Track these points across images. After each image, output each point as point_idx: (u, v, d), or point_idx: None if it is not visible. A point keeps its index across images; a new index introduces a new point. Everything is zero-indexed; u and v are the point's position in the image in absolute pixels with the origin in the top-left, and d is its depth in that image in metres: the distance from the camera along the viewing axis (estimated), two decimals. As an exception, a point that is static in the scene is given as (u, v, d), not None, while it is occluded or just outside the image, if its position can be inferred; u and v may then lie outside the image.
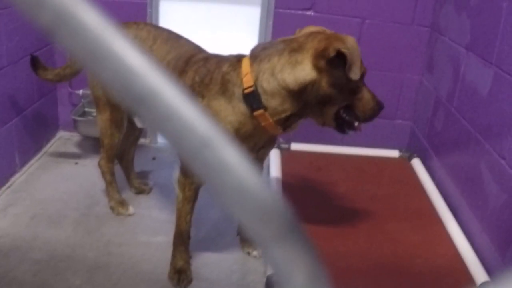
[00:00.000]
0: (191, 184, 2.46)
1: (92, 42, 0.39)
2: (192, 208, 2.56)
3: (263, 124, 2.22)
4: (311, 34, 2.26)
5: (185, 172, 2.45)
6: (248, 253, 2.83)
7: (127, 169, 3.31)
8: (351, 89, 2.22)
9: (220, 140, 0.40)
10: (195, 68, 2.39)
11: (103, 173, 3.07)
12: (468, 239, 2.78)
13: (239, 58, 2.29)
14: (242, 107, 2.21)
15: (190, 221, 2.58)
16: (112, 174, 3.08)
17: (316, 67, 2.12)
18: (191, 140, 0.40)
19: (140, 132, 3.25)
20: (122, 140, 2.99)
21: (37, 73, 3.14)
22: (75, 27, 0.39)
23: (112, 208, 3.10)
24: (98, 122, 2.96)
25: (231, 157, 0.40)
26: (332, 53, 2.10)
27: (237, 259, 2.79)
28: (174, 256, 2.63)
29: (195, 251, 2.78)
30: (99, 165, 3.07)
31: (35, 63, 3.12)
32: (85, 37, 0.39)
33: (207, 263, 2.74)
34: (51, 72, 3.14)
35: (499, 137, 2.54)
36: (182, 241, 2.61)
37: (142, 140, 3.72)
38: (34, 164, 3.60)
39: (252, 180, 0.40)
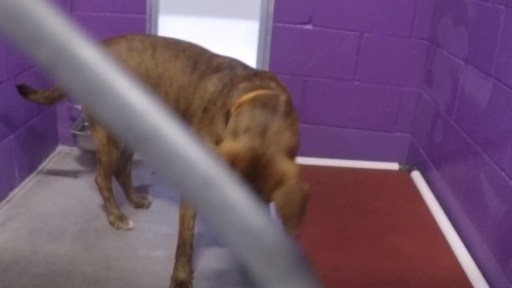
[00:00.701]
0: None
1: (93, 81, 0.38)
2: (195, 213, 2.55)
3: None
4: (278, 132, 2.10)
5: None
6: None
7: (125, 184, 3.31)
8: None
9: (223, 179, 0.40)
10: (220, 75, 2.43)
11: (100, 189, 3.06)
12: (469, 251, 2.77)
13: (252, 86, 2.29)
14: None
15: (192, 228, 2.57)
16: (110, 190, 3.08)
17: None
18: (194, 180, 0.39)
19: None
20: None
21: (28, 98, 3.08)
22: (74, 66, 0.38)
23: (111, 223, 3.09)
24: (94, 140, 2.95)
25: (235, 196, 0.40)
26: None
27: (239, 273, 2.78)
28: (176, 268, 2.61)
29: (197, 265, 2.77)
30: (96, 181, 3.05)
31: (23, 90, 3.07)
32: (85, 76, 0.38)
33: (210, 277, 2.73)
34: (41, 95, 3.07)
35: (498, 149, 2.54)
36: (185, 251, 2.60)
37: (141, 154, 3.71)
38: (33, 178, 3.59)
39: (257, 219, 0.40)
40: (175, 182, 0.40)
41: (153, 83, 2.64)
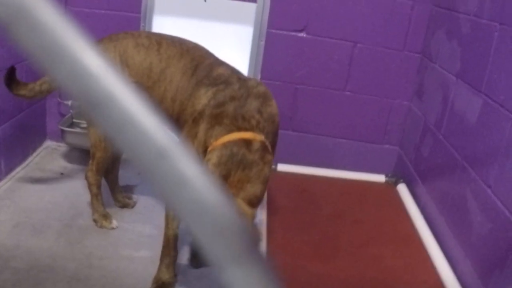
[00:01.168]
0: None
1: (49, 40, 0.37)
2: None
3: None
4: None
5: None
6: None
7: (112, 182, 3.29)
8: None
9: (177, 151, 0.39)
10: (215, 90, 2.47)
11: (89, 185, 3.05)
12: (451, 265, 2.78)
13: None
14: None
15: (177, 227, 2.57)
16: (99, 187, 3.06)
17: None
18: (147, 150, 0.38)
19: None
20: (107, 154, 2.98)
21: (10, 87, 2.90)
22: (32, 24, 0.38)
23: (95, 221, 3.07)
24: (90, 135, 2.93)
25: (189, 170, 0.38)
26: None
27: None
28: (159, 269, 2.60)
29: (182, 270, 2.76)
30: (86, 177, 3.04)
31: (9, 76, 2.89)
32: (41, 36, 0.38)
33: (194, 282, 2.72)
34: (23, 87, 2.92)
35: (485, 166, 2.55)
36: (169, 251, 2.59)
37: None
38: (19, 172, 3.57)
39: (211, 195, 0.39)
40: (127, 151, 0.39)
41: (154, 78, 2.65)
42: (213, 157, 2.25)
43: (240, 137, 2.29)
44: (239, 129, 2.32)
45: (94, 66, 0.38)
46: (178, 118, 2.56)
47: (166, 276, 2.59)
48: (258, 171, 2.25)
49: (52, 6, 0.39)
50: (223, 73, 2.55)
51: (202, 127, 2.38)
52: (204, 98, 2.47)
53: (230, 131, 2.31)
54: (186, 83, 2.57)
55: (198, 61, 2.62)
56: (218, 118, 2.36)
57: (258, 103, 2.42)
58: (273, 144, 2.47)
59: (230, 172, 2.22)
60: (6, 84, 2.93)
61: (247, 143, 2.28)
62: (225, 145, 2.27)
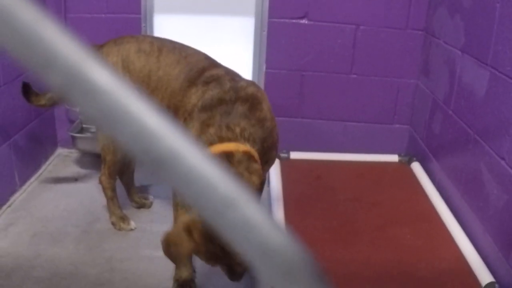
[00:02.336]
0: None
1: (107, 105, 0.38)
2: None
3: None
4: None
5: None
6: None
7: (128, 184, 3.31)
8: None
9: (242, 199, 0.40)
10: (205, 89, 2.43)
11: (104, 189, 3.06)
12: (471, 240, 2.77)
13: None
14: None
15: None
16: (114, 190, 3.07)
17: None
18: (213, 201, 0.39)
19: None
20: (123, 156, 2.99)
21: (30, 100, 3.06)
22: (88, 89, 0.38)
23: (113, 224, 3.09)
24: (99, 139, 2.95)
25: (254, 216, 0.40)
26: None
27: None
28: (177, 267, 2.61)
29: (200, 263, 2.77)
30: (100, 181, 3.06)
31: (27, 90, 3.04)
32: (99, 100, 0.38)
33: (212, 275, 2.73)
34: (43, 97, 3.05)
35: (497, 138, 2.54)
36: None
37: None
38: (33, 182, 3.59)
39: (276, 238, 0.40)
40: (194, 203, 0.40)
41: (152, 86, 2.64)
42: None
43: (221, 150, 2.22)
44: (221, 140, 2.26)
45: (156, 125, 0.38)
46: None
47: (185, 273, 2.60)
48: (246, 183, 2.18)
49: (108, 67, 0.39)
50: (216, 73, 2.50)
51: (192, 131, 2.34)
52: (194, 97, 2.43)
53: (212, 143, 2.26)
54: (178, 87, 2.54)
55: (192, 65, 2.59)
56: (204, 126, 2.31)
57: (246, 108, 2.35)
58: (267, 150, 2.39)
59: None
60: (25, 98, 3.05)
61: (229, 155, 2.21)
62: None
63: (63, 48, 0.37)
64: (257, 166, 2.24)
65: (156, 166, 0.39)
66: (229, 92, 2.38)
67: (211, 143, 2.25)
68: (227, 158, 2.20)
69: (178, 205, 2.53)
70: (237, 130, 2.28)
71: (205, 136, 2.28)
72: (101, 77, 0.38)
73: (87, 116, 0.38)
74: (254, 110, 2.36)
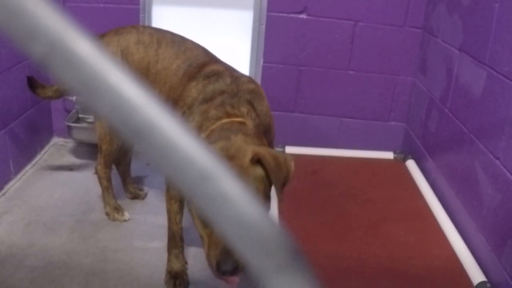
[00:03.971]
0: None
1: (88, 75, 0.38)
2: (181, 207, 2.55)
3: None
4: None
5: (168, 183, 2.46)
6: None
7: (124, 174, 3.31)
8: None
9: (220, 172, 0.40)
10: (206, 82, 2.40)
11: (100, 178, 3.07)
12: (464, 239, 2.78)
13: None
14: None
15: (180, 221, 2.58)
16: (109, 180, 3.08)
17: None
18: (190, 173, 0.39)
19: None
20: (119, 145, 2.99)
21: (36, 93, 3.12)
22: (69, 59, 0.38)
23: (107, 214, 3.09)
24: (96, 128, 2.95)
25: (232, 189, 0.40)
26: None
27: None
28: (169, 260, 2.62)
29: (191, 255, 2.78)
30: (96, 170, 3.06)
31: (32, 83, 3.09)
32: (80, 70, 0.38)
33: (204, 267, 2.73)
34: (49, 89, 3.11)
35: (493, 137, 2.55)
36: (175, 243, 2.60)
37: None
38: (28, 171, 3.59)
39: (253, 211, 0.40)
40: (171, 175, 0.40)
41: (151, 79, 2.63)
42: (209, 136, 2.12)
43: (232, 120, 2.18)
44: (229, 115, 2.21)
45: (134, 96, 0.39)
46: None
47: (177, 265, 2.61)
48: (259, 143, 2.12)
49: (88, 37, 0.39)
50: (216, 68, 2.48)
51: (192, 124, 2.30)
52: (194, 90, 2.41)
53: (219, 118, 2.21)
54: (178, 82, 2.52)
55: (192, 60, 2.57)
56: (205, 113, 2.27)
57: (249, 97, 2.33)
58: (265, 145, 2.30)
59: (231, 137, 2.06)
60: (32, 91, 3.12)
61: (241, 123, 2.17)
62: (213, 130, 2.16)
63: (45, 18, 0.38)
64: (265, 141, 2.22)
65: (134, 137, 0.39)
66: (231, 85, 2.36)
67: (217, 119, 2.20)
68: (240, 124, 2.17)
69: (172, 199, 2.53)
70: (243, 109, 2.25)
71: (208, 120, 2.23)
72: (81, 46, 0.38)
73: (68, 86, 0.39)
74: (256, 103, 2.35)
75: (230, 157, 1.94)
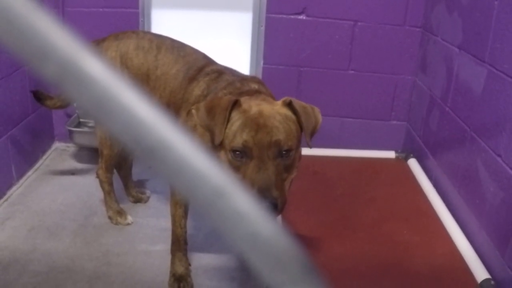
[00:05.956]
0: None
1: (100, 95, 0.38)
2: (185, 212, 2.56)
3: None
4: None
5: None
6: None
7: (126, 178, 3.31)
8: None
9: (233, 189, 0.40)
10: (207, 79, 2.40)
11: (101, 183, 3.07)
12: (467, 237, 2.78)
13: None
14: None
15: (185, 225, 2.58)
16: (110, 184, 3.08)
17: None
18: (204, 191, 0.40)
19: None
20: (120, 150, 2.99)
21: (45, 105, 3.13)
22: (81, 79, 0.38)
23: (110, 218, 3.09)
24: (97, 133, 2.95)
25: (245, 205, 0.40)
26: None
27: (237, 266, 2.79)
28: (173, 263, 2.62)
29: (195, 258, 2.78)
30: (97, 175, 3.06)
31: (39, 96, 3.09)
32: (92, 90, 0.38)
33: (207, 270, 2.74)
34: (57, 99, 3.10)
35: (494, 135, 2.55)
36: (179, 247, 2.61)
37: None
38: (30, 176, 3.59)
39: (266, 227, 0.40)
40: (185, 193, 0.40)
41: (151, 85, 2.63)
42: None
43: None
44: (241, 94, 2.18)
45: (147, 115, 0.39)
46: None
47: (181, 268, 2.61)
48: None
49: (100, 58, 0.39)
50: (216, 68, 2.48)
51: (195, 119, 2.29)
52: (196, 89, 2.40)
53: (230, 93, 2.21)
54: (178, 85, 2.51)
55: (191, 64, 2.56)
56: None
57: (256, 80, 2.36)
58: None
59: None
60: (40, 104, 3.14)
61: (257, 91, 2.22)
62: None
63: (57, 39, 0.38)
64: None
65: (147, 155, 0.39)
66: (233, 77, 2.37)
67: (230, 93, 2.20)
68: (258, 92, 2.21)
69: (177, 204, 2.53)
70: (254, 85, 2.28)
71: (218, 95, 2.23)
72: (94, 67, 0.39)
73: (80, 105, 0.39)
74: (263, 85, 2.36)
75: (260, 104, 2.02)
